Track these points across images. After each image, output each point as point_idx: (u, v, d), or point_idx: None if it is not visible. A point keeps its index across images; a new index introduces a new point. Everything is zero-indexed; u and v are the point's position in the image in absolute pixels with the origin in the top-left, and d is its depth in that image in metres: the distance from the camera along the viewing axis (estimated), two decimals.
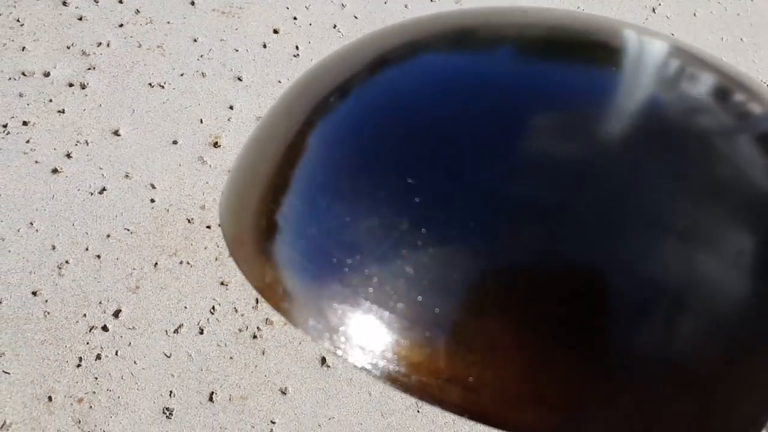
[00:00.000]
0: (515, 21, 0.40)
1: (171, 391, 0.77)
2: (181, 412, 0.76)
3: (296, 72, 1.05)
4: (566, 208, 0.29)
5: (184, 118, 0.98)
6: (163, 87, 1.01)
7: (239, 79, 1.03)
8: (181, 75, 1.03)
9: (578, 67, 0.36)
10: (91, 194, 0.90)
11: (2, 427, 0.74)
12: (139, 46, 1.05)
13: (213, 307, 0.83)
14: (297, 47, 1.08)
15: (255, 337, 0.82)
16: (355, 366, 0.29)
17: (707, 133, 0.33)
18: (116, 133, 0.96)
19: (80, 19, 1.07)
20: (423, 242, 0.29)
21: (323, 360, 0.81)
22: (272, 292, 0.31)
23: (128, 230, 0.88)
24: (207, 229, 0.89)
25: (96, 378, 0.78)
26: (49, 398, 0.76)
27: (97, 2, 1.09)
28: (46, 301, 0.82)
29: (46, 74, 1.00)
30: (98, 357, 0.79)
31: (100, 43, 1.05)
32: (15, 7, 1.07)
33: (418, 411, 0.76)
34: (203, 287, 0.85)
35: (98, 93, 1.00)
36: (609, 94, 0.34)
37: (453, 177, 0.30)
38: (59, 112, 0.97)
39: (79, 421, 0.75)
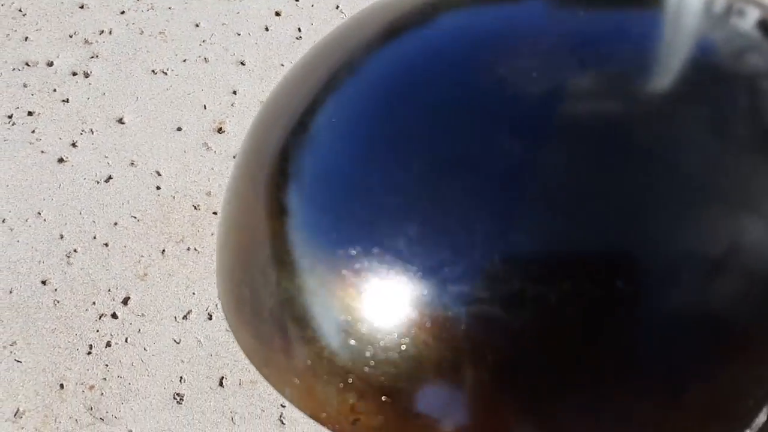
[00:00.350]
0: None
1: (181, 377, 0.78)
2: (192, 398, 0.77)
3: (299, 54, 1.04)
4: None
5: (187, 104, 0.98)
6: (166, 73, 1.01)
7: (242, 63, 1.02)
8: (184, 61, 1.02)
9: (617, 10, 0.33)
10: (98, 183, 0.90)
11: (16, 414, 0.74)
12: (141, 32, 1.05)
13: None
14: (299, 29, 1.07)
15: None
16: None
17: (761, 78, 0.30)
18: (120, 121, 0.96)
19: (82, 7, 1.06)
20: (362, 321, 0.29)
21: None
22: (254, 358, 0.32)
23: (135, 218, 0.88)
24: (213, 215, 0.89)
25: (107, 365, 0.78)
26: (61, 386, 0.76)
27: None
28: (56, 289, 0.82)
29: (50, 64, 1.00)
30: (108, 344, 0.79)
31: (102, 31, 1.04)
32: None
33: None
34: (211, 273, 0.85)
35: (102, 81, 0.99)
36: (651, 39, 0.31)
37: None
38: (63, 101, 0.97)
39: (91, 408, 0.75)
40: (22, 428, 0.74)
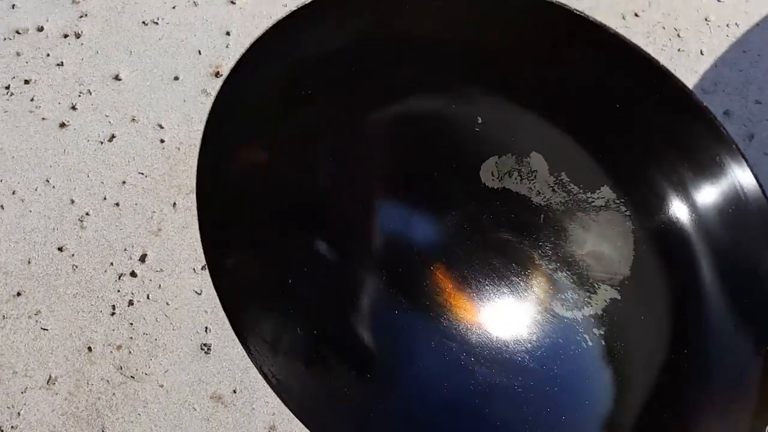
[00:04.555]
0: None
1: (206, 327, 0.76)
2: (219, 347, 0.75)
3: None
4: None
5: (182, 52, 0.94)
6: (156, 23, 0.97)
7: (232, 2, 0.97)
8: (173, 8, 0.98)
9: None
10: (101, 143, 0.88)
11: (48, 381, 0.74)
12: None
13: None
14: None
15: None
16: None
17: None
18: (117, 77, 0.93)
19: None
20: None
21: None
22: None
23: (143, 174, 0.86)
24: None
25: (131, 324, 0.77)
26: (89, 348, 0.76)
27: None
28: (73, 255, 0.81)
29: (40, 29, 0.97)
30: (131, 303, 0.78)
31: None
32: None
33: None
34: None
35: (93, 40, 0.96)
36: None
37: None
38: (58, 65, 0.95)
39: (121, 367, 0.75)
40: (57, 393, 0.74)
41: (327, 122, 0.54)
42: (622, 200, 0.47)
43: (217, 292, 0.52)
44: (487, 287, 0.54)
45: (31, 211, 0.84)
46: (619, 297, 0.49)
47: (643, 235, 0.48)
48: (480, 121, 0.50)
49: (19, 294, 0.79)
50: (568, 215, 0.50)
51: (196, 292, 0.78)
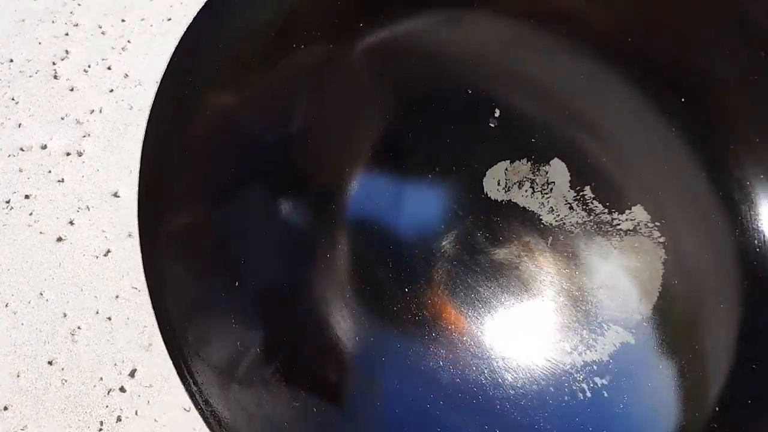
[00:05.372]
0: None
1: None
2: None
3: None
4: None
5: None
6: None
7: None
8: None
9: None
10: (96, 257, 0.91)
11: None
12: (131, 108, 1.07)
13: None
14: None
15: None
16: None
17: None
18: (115, 194, 0.97)
19: (72, 90, 1.09)
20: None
21: None
22: None
23: (136, 288, 0.88)
24: None
25: None
26: None
27: (86, 72, 1.12)
28: (63, 368, 0.82)
29: (44, 147, 1.03)
30: (119, 419, 0.79)
31: (93, 111, 1.07)
32: (9, 86, 1.10)
33: None
34: None
35: (95, 158, 1.01)
36: None
37: None
38: (59, 181, 0.99)
39: None
40: None
41: (313, 76, 0.45)
42: (658, 223, 0.39)
43: (143, 261, 0.44)
44: (469, 317, 0.47)
45: (23, 323, 0.86)
46: (633, 341, 0.41)
47: (680, 269, 0.38)
48: (497, 114, 0.42)
49: (6, 408, 0.79)
50: (584, 239, 0.43)
51: (185, 409, 0.79)
